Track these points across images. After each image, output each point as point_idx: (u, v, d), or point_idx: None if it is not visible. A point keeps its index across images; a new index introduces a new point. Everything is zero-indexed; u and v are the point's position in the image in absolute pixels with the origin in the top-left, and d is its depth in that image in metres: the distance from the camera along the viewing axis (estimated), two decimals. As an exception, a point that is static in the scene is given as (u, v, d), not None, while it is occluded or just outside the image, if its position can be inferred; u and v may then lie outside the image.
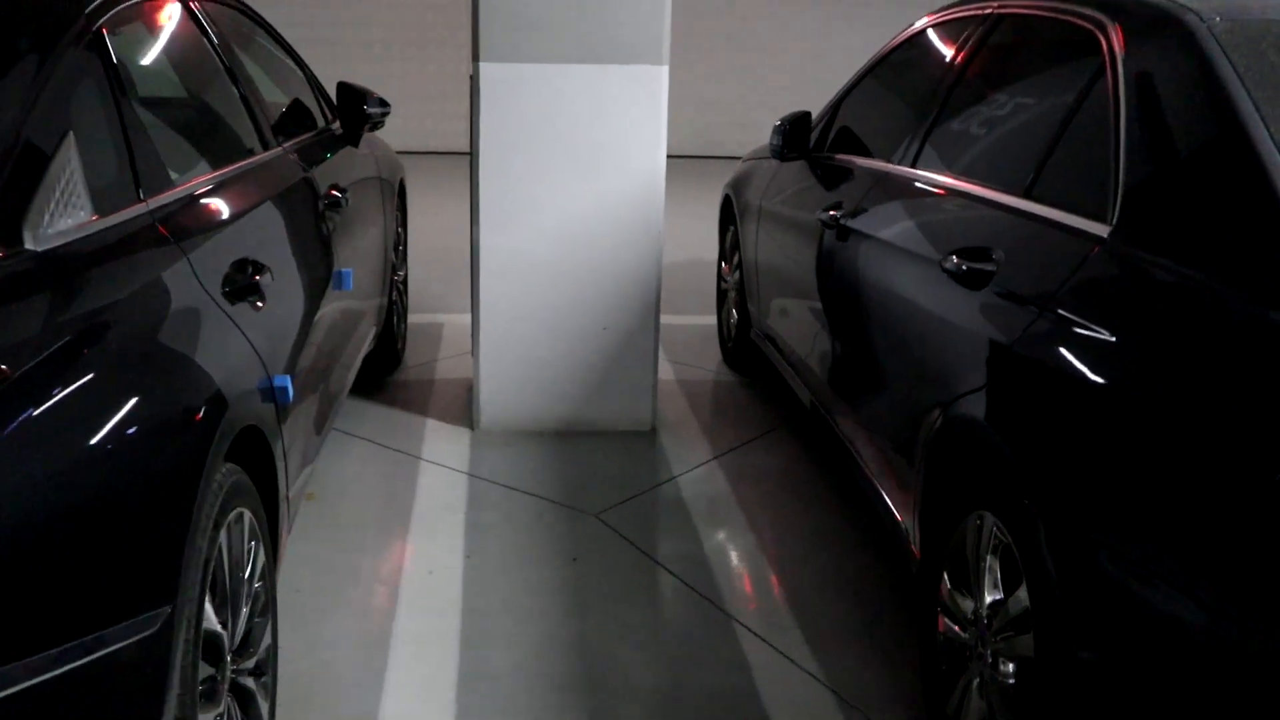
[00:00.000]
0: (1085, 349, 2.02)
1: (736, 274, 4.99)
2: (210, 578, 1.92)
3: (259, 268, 2.43)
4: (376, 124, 4.10)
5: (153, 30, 2.70)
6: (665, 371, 5.00)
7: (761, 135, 4.58)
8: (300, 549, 3.30)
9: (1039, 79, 2.87)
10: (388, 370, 4.84)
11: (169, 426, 1.83)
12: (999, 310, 2.33)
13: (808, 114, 4.11)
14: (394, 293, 4.65)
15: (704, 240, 5.97)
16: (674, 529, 3.62)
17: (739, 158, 5.65)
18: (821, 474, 4.02)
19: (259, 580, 2.30)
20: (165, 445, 1.81)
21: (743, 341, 4.90)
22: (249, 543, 2.22)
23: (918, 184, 3.10)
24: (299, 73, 3.91)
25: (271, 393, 2.37)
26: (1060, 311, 2.11)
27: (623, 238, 4.17)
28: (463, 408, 4.49)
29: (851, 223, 3.32)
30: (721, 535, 3.58)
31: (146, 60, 2.67)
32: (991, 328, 2.34)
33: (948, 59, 3.29)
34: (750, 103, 12.32)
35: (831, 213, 3.46)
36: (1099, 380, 1.95)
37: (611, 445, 4.23)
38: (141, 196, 2.14)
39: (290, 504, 2.61)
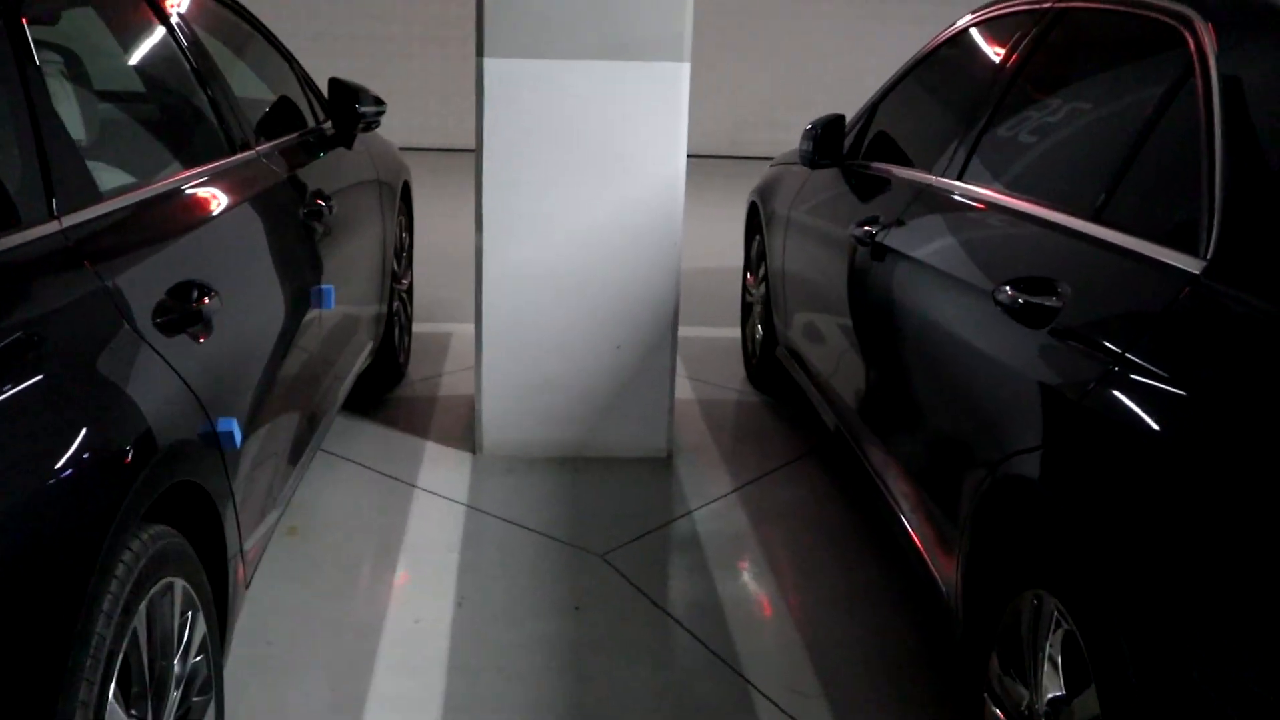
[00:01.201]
0: (1172, 410, 1.67)
1: (762, 287, 4.65)
2: (117, 668, 1.61)
3: (205, 291, 2.12)
4: (371, 124, 3.78)
5: (95, 22, 2.39)
6: (684, 390, 4.66)
7: (793, 137, 4.22)
8: (276, 593, 2.99)
9: (1108, 82, 2.50)
10: (388, 386, 4.53)
11: (57, 494, 1.51)
12: (1064, 355, 1.98)
13: (842, 117, 3.76)
14: (395, 302, 4.34)
15: (732, 245, 5.62)
16: (687, 574, 3.29)
17: (769, 159, 5.30)
18: (850, 510, 3.68)
19: (197, 655, 1.99)
20: (51, 518, 1.49)
21: (768, 359, 4.56)
22: (183, 615, 1.91)
23: (965, 200, 2.75)
24: (287, 69, 3.60)
25: (215, 438, 2.05)
26: (1141, 363, 1.75)
27: (638, 248, 3.84)
28: (465, 429, 4.18)
29: (888, 240, 2.98)
30: (739, 582, 3.24)
31: (83, 56, 2.36)
32: (1054, 375, 1.99)
33: (1000, 58, 2.93)
34: (782, 102, 11.95)
35: (866, 228, 3.11)
36: (1188, 448, 1.60)
37: (624, 474, 3.90)
38: (55, 213, 1.83)
39: (245, 559, 2.30)
